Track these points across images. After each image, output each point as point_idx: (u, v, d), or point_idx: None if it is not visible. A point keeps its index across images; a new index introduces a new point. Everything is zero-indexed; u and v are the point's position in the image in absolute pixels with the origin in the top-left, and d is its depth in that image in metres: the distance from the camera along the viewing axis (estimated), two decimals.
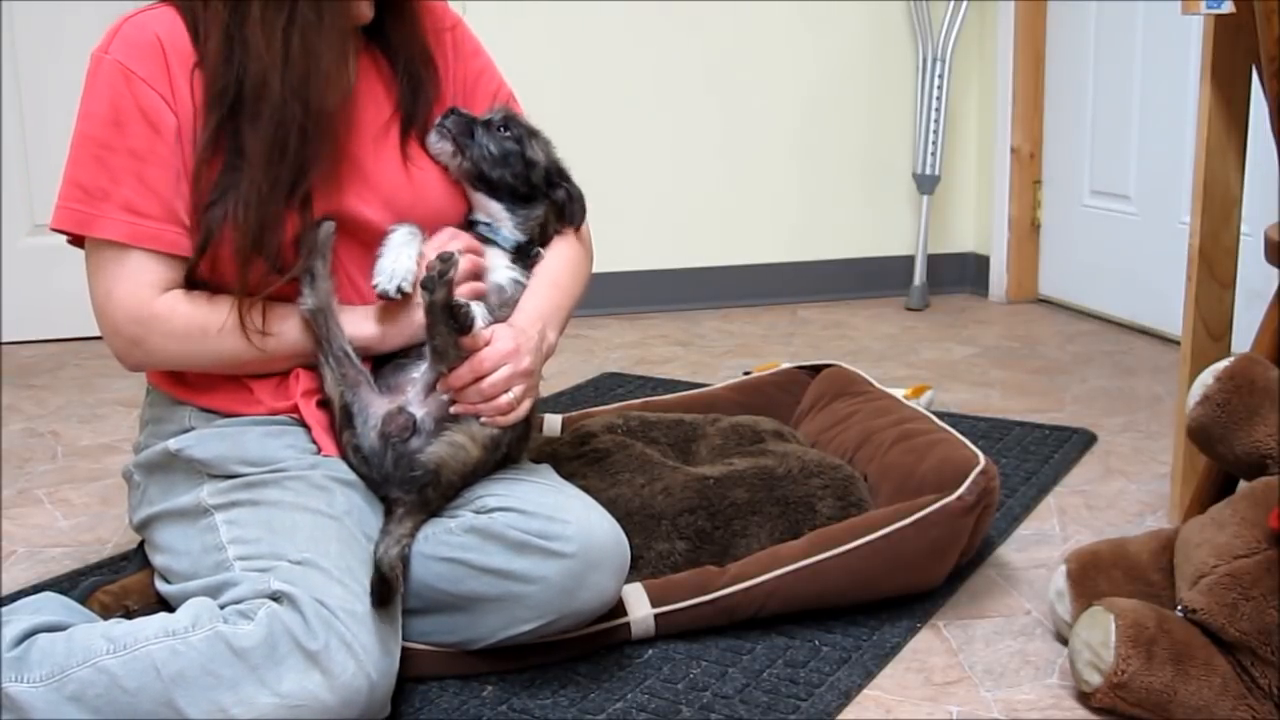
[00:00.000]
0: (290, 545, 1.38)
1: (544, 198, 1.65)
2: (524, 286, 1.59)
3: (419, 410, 1.50)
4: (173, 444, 1.52)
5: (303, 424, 1.53)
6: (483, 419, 1.48)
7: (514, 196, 1.62)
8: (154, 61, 1.44)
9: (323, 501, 1.45)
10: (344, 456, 1.51)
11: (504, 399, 1.48)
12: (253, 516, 1.44)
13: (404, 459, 1.48)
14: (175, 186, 1.44)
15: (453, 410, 1.49)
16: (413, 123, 1.58)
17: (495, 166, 1.60)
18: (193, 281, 1.50)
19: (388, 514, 1.48)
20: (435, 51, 1.62)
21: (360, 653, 1.30)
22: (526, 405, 1.52)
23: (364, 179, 1.53)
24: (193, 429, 1.53)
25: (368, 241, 1.54)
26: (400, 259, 1.49)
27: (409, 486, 1.47)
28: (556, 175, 1.66)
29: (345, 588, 1.34)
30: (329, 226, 1.49)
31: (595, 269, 1.73)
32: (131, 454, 1.62)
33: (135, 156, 1.43)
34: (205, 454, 1.50)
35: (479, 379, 1.47)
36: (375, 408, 1.51)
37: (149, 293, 1.46)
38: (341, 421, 1.51)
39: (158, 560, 1.53)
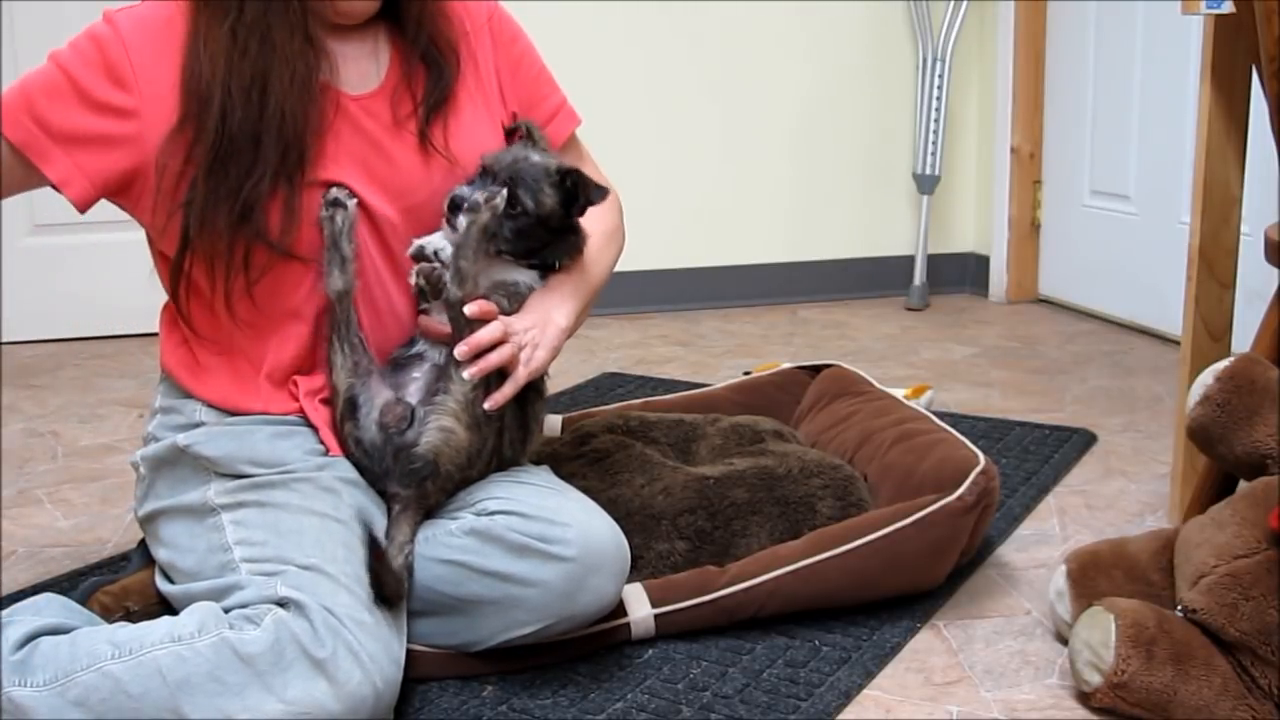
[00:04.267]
0: (297, 549, 1.38)
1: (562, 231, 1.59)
2: (534, 290, 1.57)
3: (416, 401, 1.50)
4: (182, 439, 1.51)
5: (310, 425, 1.53)
6: (473, 370, 1.47)
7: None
8: (154, 46, 1.45)
9: (329, 505, 1.44)
10: (344, 448, 1.51)
11: (507, 347, 1.48)
12: (259, 518, 1.44)
13: (403, 452, 1.48)
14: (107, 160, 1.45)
15: (458, 352, 1.46)
16: (430, 108, 1.55)
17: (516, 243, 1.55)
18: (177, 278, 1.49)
19: (388, 513, 1.48)
20: (475, 47, 1.61)
21: (367, 661, 1.30)
22: (540, 360, 1.51)
23: (371, 171, 1.52)
24: (203, 424, 1.53)
25: (376, 229, 1.53)
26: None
27: (408, 480, 1.47)
28: (567, 203, 1.56)
29: (352, 595, 1.34)
30: (353, 209, 1.48)
31: None
32: (139, 444, 1.60)
33: (82, 97, 1.42)
34: (214, 452, 1.49)
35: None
36: (380, 399, 1.51)
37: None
38: (345, 412, 1.51)
39: (161, 554, 1.53)
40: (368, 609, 1.34)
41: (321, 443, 1.52)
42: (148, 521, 1.56)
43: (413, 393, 1.51)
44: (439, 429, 1.47)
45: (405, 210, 1.54)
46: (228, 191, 1.42)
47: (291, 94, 1.43)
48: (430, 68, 1.55)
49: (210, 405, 1.53)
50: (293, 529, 1.41)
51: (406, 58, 1.55)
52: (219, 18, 1.42)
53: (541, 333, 1.53)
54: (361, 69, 1.53)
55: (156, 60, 1.44)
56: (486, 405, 1.48)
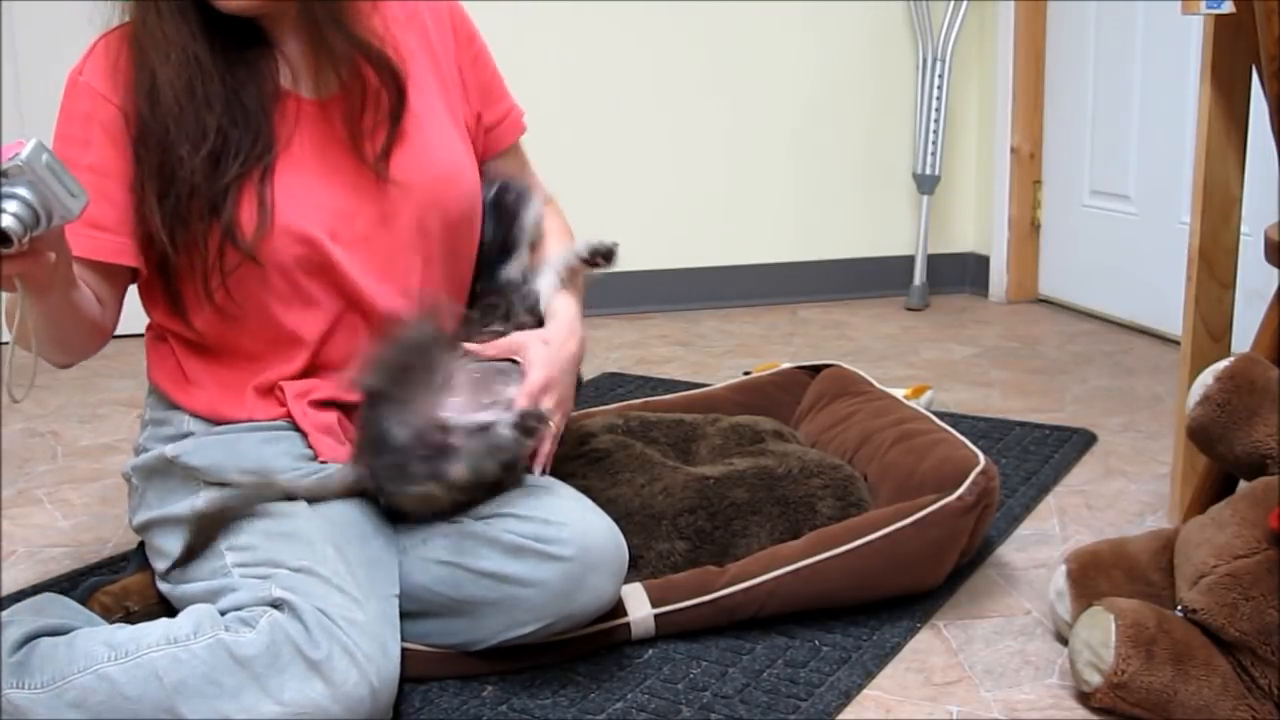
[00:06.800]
0: (288, 552, 1.38)
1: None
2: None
3: (459, 442, 1.47)
4: (170, 450, 1.52)
5: (298, 429, 1.53)
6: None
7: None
8: (113, 72, 1.46)
9: (319, 507, 1.45)
10: (360, 424, 1.52)
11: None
12: (248, 524, 1.44)
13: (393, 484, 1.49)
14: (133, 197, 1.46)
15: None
16: (389, 133, 1.53)
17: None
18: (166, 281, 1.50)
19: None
20: (435, 42, 1.60)
21: (363, 660, 1.30)
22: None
23: (311, 197, 1.49)
24: (191, 434, 1.53)
25: (307, 258, 1.51)
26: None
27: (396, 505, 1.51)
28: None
29: (345, 595, 1.34)
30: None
31: None
32: (131, 454, 1.62)
33: (97, 173, 1.44)
34: (202, 461, 1.50)
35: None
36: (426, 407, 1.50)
37: None
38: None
39: (157, 564, 1.53)
40: (361, 609, 1.34)
41: (310, 448, 1.52)
42: (142, 531, 1.57)
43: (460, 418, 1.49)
44: (416, 496, 1.47)
45: (360, 237, 1.52)
46: (198, 183, 1.43)
47: (180, 77, 1.44)
48: (386, 82, 1.52)
49: (198, 416, 1.54)
50: (282, 532, 1.41)
51: (359, 69, 1.51)
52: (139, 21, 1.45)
53: (566, 390, 1.57)
54: (319, 75, 1.51)
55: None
56: (536, 471, 1.54)
